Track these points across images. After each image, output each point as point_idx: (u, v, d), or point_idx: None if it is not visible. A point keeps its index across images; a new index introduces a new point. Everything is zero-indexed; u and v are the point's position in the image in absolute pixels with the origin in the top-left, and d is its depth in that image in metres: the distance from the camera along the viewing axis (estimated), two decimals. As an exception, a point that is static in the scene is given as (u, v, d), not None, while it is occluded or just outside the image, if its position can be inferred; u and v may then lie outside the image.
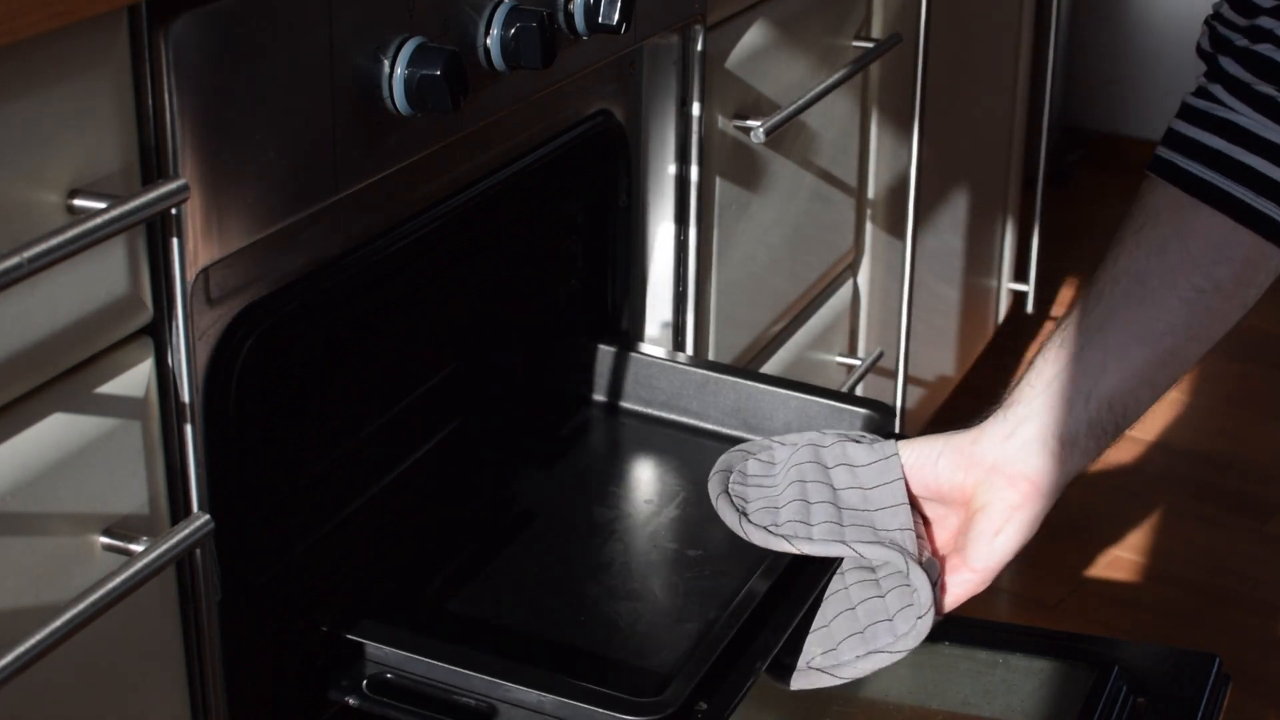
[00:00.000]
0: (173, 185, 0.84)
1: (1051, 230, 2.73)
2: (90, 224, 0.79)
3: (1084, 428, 1.13)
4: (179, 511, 0.95)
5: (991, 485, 1.14)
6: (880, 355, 1.92)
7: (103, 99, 0.84)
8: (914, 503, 1.18)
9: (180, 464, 0.94)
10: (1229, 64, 1.12)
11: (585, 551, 1.21)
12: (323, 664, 1.07)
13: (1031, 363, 1.17)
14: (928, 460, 1.17)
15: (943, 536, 1.20)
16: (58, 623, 0.81)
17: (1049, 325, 2.88)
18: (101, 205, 0.81)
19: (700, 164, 1.43)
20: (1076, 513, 2.35)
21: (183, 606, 0.96)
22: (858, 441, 1.20)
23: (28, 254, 0.76)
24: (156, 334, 0.91)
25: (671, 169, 1.43)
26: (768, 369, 1.68)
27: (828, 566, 1.16)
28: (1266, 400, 2.67)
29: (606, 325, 1.43)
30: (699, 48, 1.39)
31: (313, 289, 1.06)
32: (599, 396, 1.40)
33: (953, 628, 1.37)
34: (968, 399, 2.55)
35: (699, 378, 1.37)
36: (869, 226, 1.91)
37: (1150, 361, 1.13)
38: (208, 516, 0.90)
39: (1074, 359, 1.14)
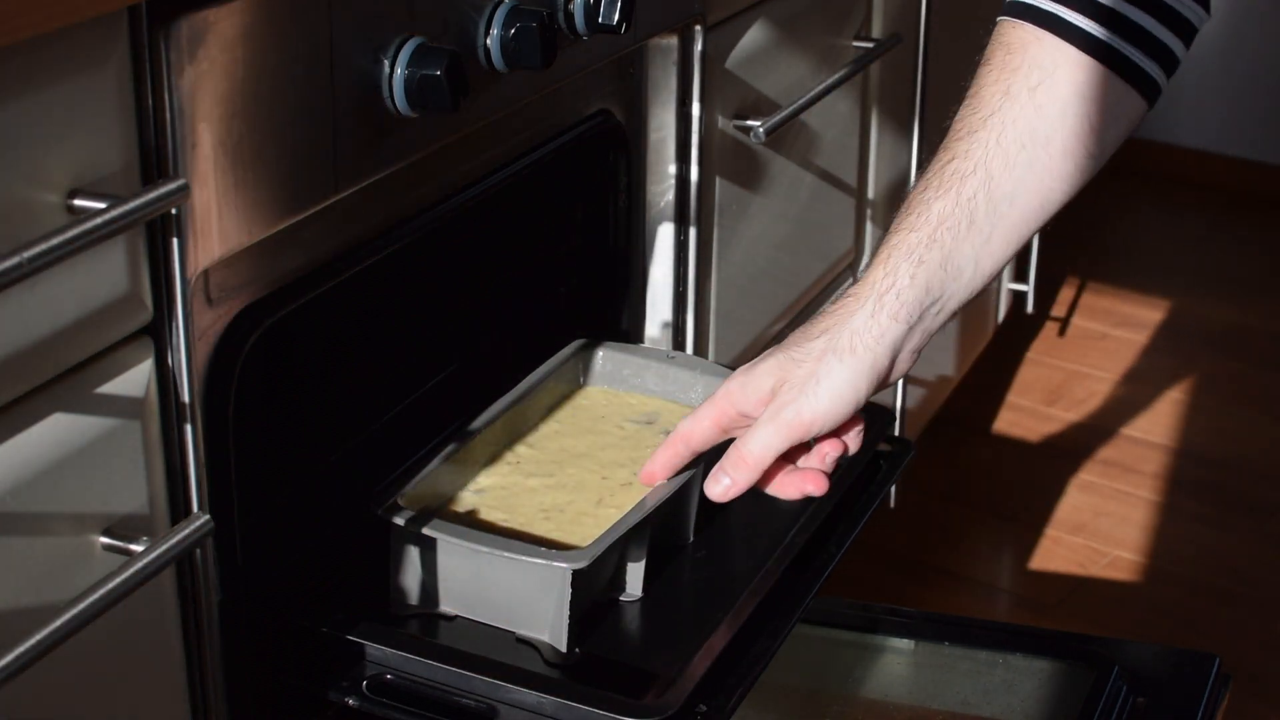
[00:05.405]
0: (173, 185, 0.84)
1: (1051, 230, 2.73)
2: (90, 224, 0.79)
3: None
4: (179, 511, 0.95)
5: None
6: (880, 355, 1.91)
7: (103, 99, 0.84)
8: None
9: (180, 464, 0.94)
10: None
11: (585, 551, 1.21)
12: (323, 664, 1.06)
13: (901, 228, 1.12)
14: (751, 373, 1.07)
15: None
16: (58, 623, 0.81)
17: (1049, 325, 2.88)
18: (101, 205, 0.81)
19: (700, 164, 1.43)
20: (1077, 513, 2.35)
21: (183, 606, 0.96)
22: None
23: (28, 254, 0.76)
24: (156, 334, 0.91)
25: (671, 169, 1.43)
26: (768, 369, 1.68)
27: (826, 566, 1.16)
28: (1266, 400, 2.67)
29: (606, 325, 1.43)
30: (699, 48, 1.39)
31: (313, 289, 1.06)
32: (599, 396, 1.40)
33: (953, 628, 1.37)
34: (968, 399, 2.56)
35: (699, 378, 1.36)
36: (869, 226, 1.90)
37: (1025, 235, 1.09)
38: (208, 516, 0.89)
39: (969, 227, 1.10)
